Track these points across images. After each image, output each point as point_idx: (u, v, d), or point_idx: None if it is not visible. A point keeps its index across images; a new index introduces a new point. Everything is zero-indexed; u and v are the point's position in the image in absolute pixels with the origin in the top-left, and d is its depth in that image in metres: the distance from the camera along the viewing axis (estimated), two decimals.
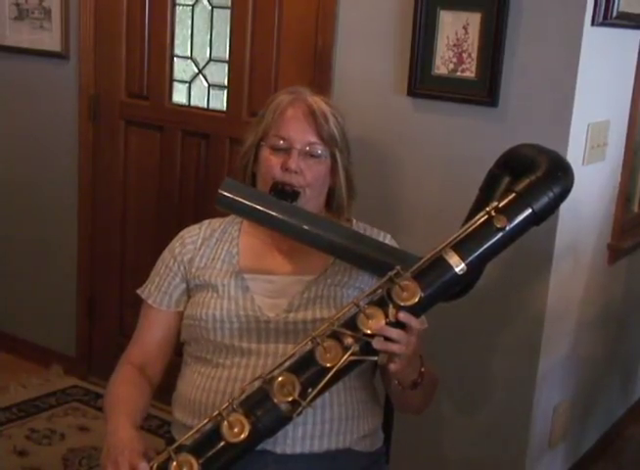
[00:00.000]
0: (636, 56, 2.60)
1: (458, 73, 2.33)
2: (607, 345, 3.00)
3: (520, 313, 2.39)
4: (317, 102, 1.71)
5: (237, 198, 1.63)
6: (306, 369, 1.40)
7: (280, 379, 1.40)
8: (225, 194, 1.64)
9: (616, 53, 2.46)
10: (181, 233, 1.81)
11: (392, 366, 1.44)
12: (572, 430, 2.80)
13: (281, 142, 1.68)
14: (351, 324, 1.41)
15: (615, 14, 2.24)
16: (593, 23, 2.21)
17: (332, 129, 1.69)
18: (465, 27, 2.30)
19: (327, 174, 1.72)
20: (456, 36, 2.32)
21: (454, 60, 2.33)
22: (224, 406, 1.39)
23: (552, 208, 1.51)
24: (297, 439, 1.57)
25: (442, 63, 2.35)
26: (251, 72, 2.83)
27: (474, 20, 2.28)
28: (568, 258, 2.44)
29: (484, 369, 2.46)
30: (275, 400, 1.39)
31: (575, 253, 2.50)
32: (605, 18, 2.22)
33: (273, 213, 1.63)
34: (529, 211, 1.47)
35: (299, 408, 1.39)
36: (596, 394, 3.00)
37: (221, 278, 1.69)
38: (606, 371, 3.06)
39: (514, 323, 2.41)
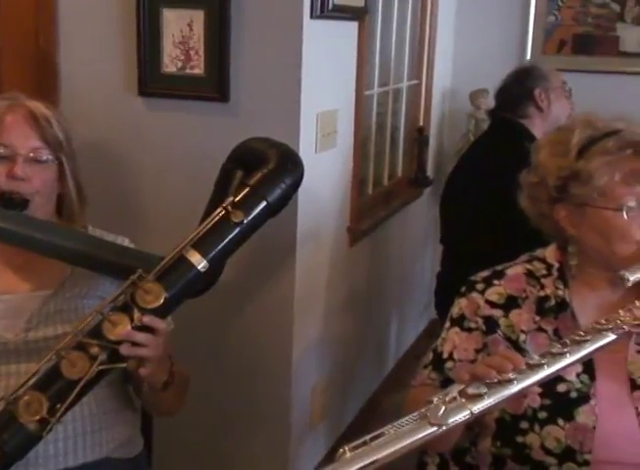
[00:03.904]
0: (356, 46, 2.73)
1: (187, 71, 2.33)
2: (357, 323, 3.15)
3: (269, 300, 2.45)
4: (37, 106, 1.64)
5: None
6: (53, 385, 1.36)
7: (25, 398, 1.34)
8: None
9: (337, 44, 2.58)
10: None
11: (143, 370, 1.43)
12: (332, 408, 2.92)
13: (3, 150, 1.60)
14: (96, 333, 1.38)
15: (330, 7, 2.34)
16: (312, 16, 2.30)
17: (56, 133, 1.64)
18: (190, 25, 2.31)
19: (55, 180, 1.66)
20: (181, 34, 2.31)
21: (182, 57, 2.33)
22: None
23: (286, 198, 1.56)
24: (50, 457, 1.52)
25: (170, 61, 2.34)
26: None
27: (197, 17, 2.29)
28: (310, 244, 2.53)
29: (242, 360, 2.50)
30: (22, 421, 1.33)
31: (317, 238, 2.60)
32: (322, 11, 2.32)
33: (1, 225, 1.55)
34: (264, 203, 1.51)
35: (49, 426, 1.34)
36: (352, 371, 3.14)
37: None
38: (359, 348, 3.21)
39: (265, 311, 2.46)
